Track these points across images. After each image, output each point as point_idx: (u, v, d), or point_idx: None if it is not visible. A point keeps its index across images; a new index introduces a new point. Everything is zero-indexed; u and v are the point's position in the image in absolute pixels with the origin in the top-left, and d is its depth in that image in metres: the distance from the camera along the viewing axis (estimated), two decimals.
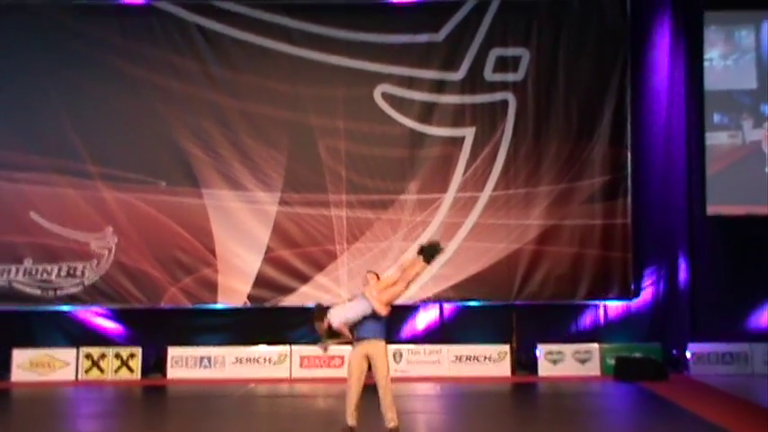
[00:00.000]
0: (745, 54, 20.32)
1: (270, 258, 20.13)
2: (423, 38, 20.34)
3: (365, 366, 11.80)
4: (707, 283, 20.20)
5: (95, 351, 20.10)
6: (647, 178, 20.43)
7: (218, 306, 20.27)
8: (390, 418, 11.68)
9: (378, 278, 12.16)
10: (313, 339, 11.73)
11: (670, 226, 20.44)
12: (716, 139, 20.18)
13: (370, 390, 11.84)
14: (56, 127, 20.16)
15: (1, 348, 19.94)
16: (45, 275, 20.11)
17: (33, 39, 20.31)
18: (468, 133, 20.22)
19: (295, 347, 20.07)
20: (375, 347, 11.77)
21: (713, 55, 20.27)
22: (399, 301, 12.19)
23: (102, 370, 19.97)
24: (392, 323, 12.67)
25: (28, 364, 19.83)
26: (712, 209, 20.02)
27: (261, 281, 20.09)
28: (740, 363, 19.58)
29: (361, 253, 20.01)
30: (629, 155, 20.15)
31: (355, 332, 11.87)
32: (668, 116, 20.48)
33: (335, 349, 19.10)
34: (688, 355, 19.72)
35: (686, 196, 20.37)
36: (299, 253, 20.09)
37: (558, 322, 20.57)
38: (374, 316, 11.74)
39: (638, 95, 20.45)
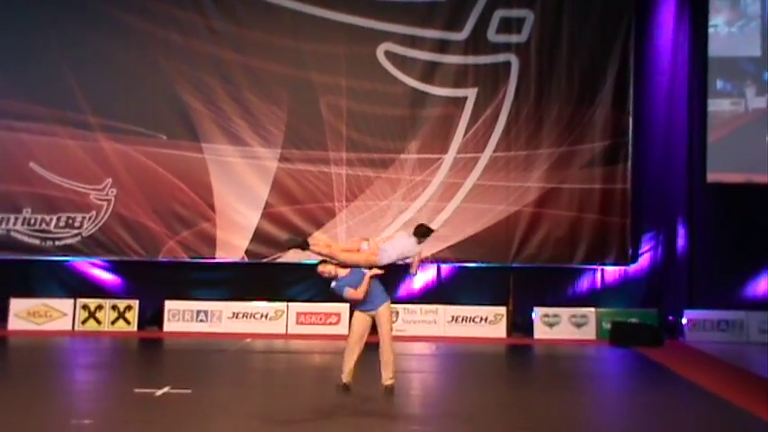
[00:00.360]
0: (751, 21, 20.20)
1: (269, 214, 20.13)
2: None
3: (369, 327, 11.74)
4: (705, 251, 20.23)
5: (92, 302, 20.17)
6: (647, 144, 20.42)
7: (216, 260, 20.30)
8: (387, 377, 11.72)
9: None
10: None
11: (669, 192, 20.46)
12: (718, 106, 20.12)
13: (367, 347, 11.87)
14: (57, 78, 20.11)
15: None
16: (44, 225, 20.13)
17: None
18: (470, 94, 20.15)
19: (292, 304, 20.14)
20: (381, 310, 11.71)
21: (718, 21, 20.16)
22: (399, 261, 12.10)
23: (98, 321, 20.05)
24: (389, 282, 12.61)
25: (25, 314, 19.89)
26: (712, 176, 20.00)
27: (259, 236, 20.11)
28: (735, 330, 19.65)
29: (360, 211, 20.01)
30: (630, 120, 20.09)
31: (361, 302, 11.74)
32: (671, 82, 20.44)
33: (332, 306, 19.29)
34: (684, 321, 19.79)
35: (687, 163, 20.37)
36: (297, 209, 20.09)
37: (555, 286, 20.64)
38: (379, 280, 11.69)
39: (641, 61, 20.37)
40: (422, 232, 11.84)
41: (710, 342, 19.10)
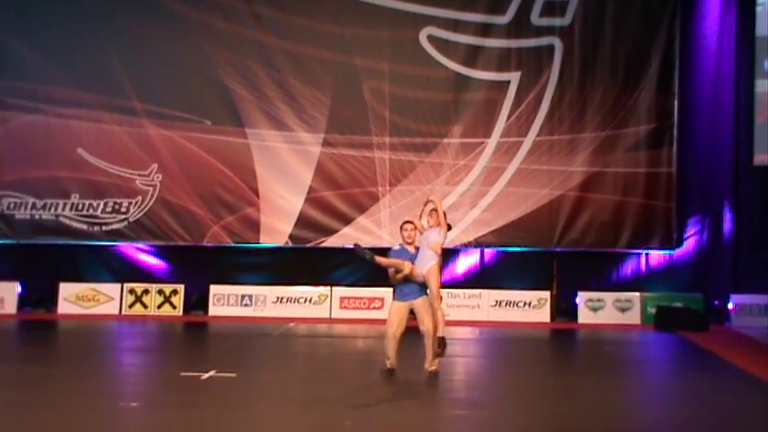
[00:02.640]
0: None
1: (312, 199, 20.23)
2: None
3: (406, 315, 11.78)
4: (751, 234, 19.98)
5: (139, 287, 20.42)
6: (693, 126, 20.19)
7: (261, 245, 20.44)
8: (431, 362, 11.75)
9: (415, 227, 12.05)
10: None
11: (715, 175, 20.21)
12: (765, 87, 19.80)
13: (411, 331, 11.90)
14: (104, 65, 20.33)
15: (48, 281, 20.40)
16: (91, 211, 20.38)
17: None
18: (514, 78, 20.06)
19: (335, 288, 20.24)
20: (420, 301, 11.74)
21: (766, 0, 19.84)
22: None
23: (145, 305, 20.29)
24: None
25: (74, 298, 20.20)
26: (759, 158, 19.72)
27: (303, 221, 20.22)
28: None
29: (403, 195, 20.02)
30: (675, 103, 19.90)
31: (397, 292, 11.84)
32: (717, 63, 20.17)
33: (375, 291, 19.36)
34: (730, 306, 19.59)
35: (733, 145, 20.09)
36: (341, 194, 20.15)
37: (599, 270, 20.52)
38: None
39: (686, 41, 20.14)
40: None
41: (757, 327, 18.83)
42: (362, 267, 19.87)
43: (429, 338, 11.72)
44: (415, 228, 11.98)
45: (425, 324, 11.71)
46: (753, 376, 12.91)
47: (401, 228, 12.05)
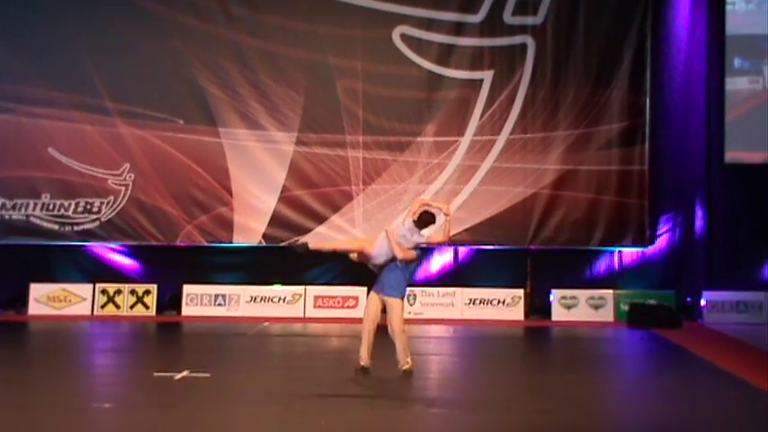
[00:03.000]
0: None
1: (286, 198, 20.17)
2: None
3: (380, 310, 11.81)
4: (723, 231, 20.14)
5: (111, 287, 20.28)
6: (665, 124, 20.30)
7: (234, 245, 20.36)
8: (404, 362, 11.74)
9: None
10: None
11: (687, 173, 20.35)
12: (736, 85, 19.99)
13: (385, 332, 11.89)
14: (75, 63, 20.18)
15: (18, 282, 20.21)
16: (62, 211, 20.22)
17: None
18: (487, 76, 20.09)
19: (309, 287, 20.20)
20: (391, 301, 11.75)
21: None
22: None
23: (117, 306, 20.17)
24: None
25: (45, 298, 20.04)
26: (730, 155, 19.89)
27: (276, 220, 20.15)
28: (754, 311, 19.55)
29: (377, 194, 20.01)
30: (647, 101, 19.99)
31: (375, 285, 11.88)
32: (688, 61, 20.32)
33: (349, 290, 19.36)
34: (702, 302, 19.72)
35: (705, 143, 20.24)
36: (314, 193, 20.11)
37: (572, 268, 20.60)
38: (394, 269, 11.70)
39: (658, 40, 20.24)
40: (424, 220, 11.82)
41: (729, 323, 19.02)
42: (336, 266, 19.88)
43: (396, 339, 11.72)
44: None
45: (391, 326, 11.72)
46: (725, 372, 12.99)
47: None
